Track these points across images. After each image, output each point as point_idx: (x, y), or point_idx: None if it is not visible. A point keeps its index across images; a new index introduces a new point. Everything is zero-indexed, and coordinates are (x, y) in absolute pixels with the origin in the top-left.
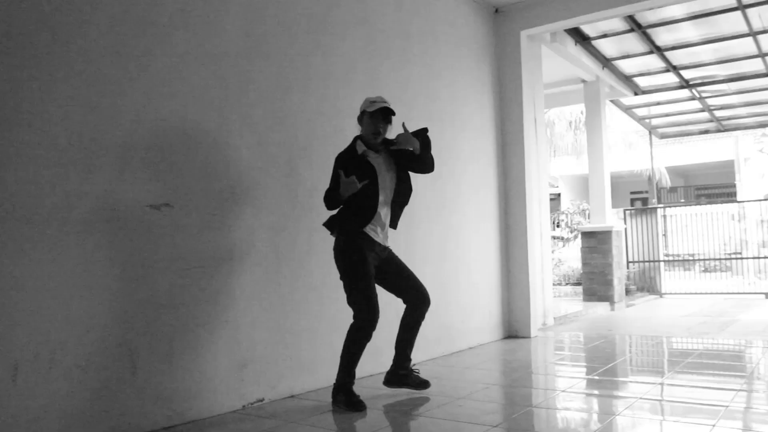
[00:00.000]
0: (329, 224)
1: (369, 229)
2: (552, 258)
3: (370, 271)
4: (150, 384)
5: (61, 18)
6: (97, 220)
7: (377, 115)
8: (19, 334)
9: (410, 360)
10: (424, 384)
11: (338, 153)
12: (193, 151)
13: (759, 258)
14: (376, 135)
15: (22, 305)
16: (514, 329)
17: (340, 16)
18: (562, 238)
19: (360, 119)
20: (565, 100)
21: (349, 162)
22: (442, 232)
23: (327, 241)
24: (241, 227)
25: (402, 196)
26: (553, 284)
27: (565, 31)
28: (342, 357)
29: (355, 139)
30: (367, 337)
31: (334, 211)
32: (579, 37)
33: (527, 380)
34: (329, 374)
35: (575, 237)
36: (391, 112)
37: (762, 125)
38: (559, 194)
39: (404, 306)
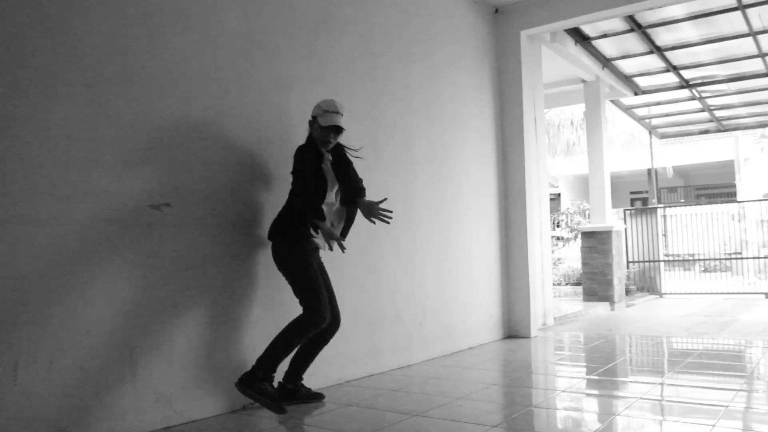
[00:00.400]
0: (282, 231)
1: (313, 233)
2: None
3: (317, 271)
4: (150, 384)
5: (61, 18)
6: (97, 220)
7: (329, 128)
8: (19, 334)
9: (301, 379)
10: (317, 396)
11: (301, 146)
12: (193, 151)
13: (759, 258)
14: (326, 144)
15: (23, 305)
16: (514, 329)
17: (340, 16)
18: (562, 238)
19: (311, 123)
20: (565, 100)
21: (316, 160)
22: (442, 232)
23: None
24: (241, 227)
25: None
26: (553, 284)
27: (565, 31)
28: (274, 348)
29: (311, 140)
30: (311, 334)
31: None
32: (579, 37)
33: (527, 380)
34: (330, 374)
35: (575, 237)
36: (342, 130)
37: (762, 125)
38: (559, 194)
39: (404, 306)
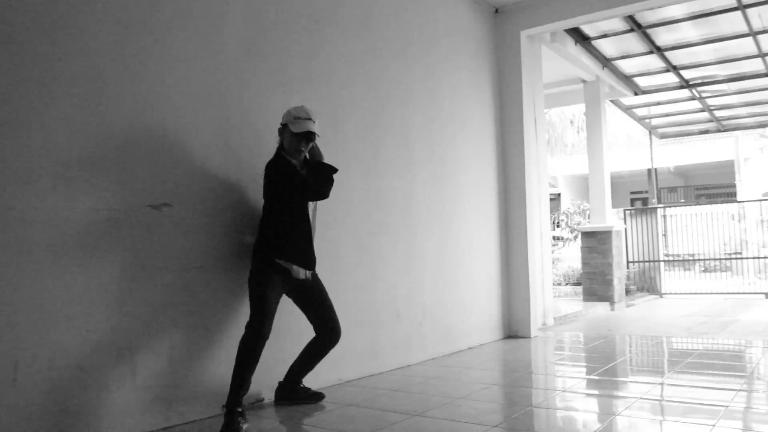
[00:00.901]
0: (269, 252)
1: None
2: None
3: (274, 291)
4: (150, 384)
5: (61, 18)
6: (97, 220)
7: (300, 135)
8: (19, 335)
9: (300, 383)
10: (317, 396)
11: (270, 162)
12: (192, 151)
13: (759, 258)
14: (297, 153)
15: (22, 305)
16: (514, 329)
17: (340, 17)
18: (562, 238)
19: (281, 131)
20: (565, 100)
21: (294, 174)
22: (442, 232)
23: (326, 241)
24: (241, 227)
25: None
26: (553, 284)
27: (565, 31)
28: (234, 377)
29: (279, 151)
30: (256, 352)
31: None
32: (579, 37)
33: (527, 380)
34: (329, 374)
35: (575, 237)
36: (315, 135)
37: (762, 125)
38: (559, 194)
39: (404, 306)
